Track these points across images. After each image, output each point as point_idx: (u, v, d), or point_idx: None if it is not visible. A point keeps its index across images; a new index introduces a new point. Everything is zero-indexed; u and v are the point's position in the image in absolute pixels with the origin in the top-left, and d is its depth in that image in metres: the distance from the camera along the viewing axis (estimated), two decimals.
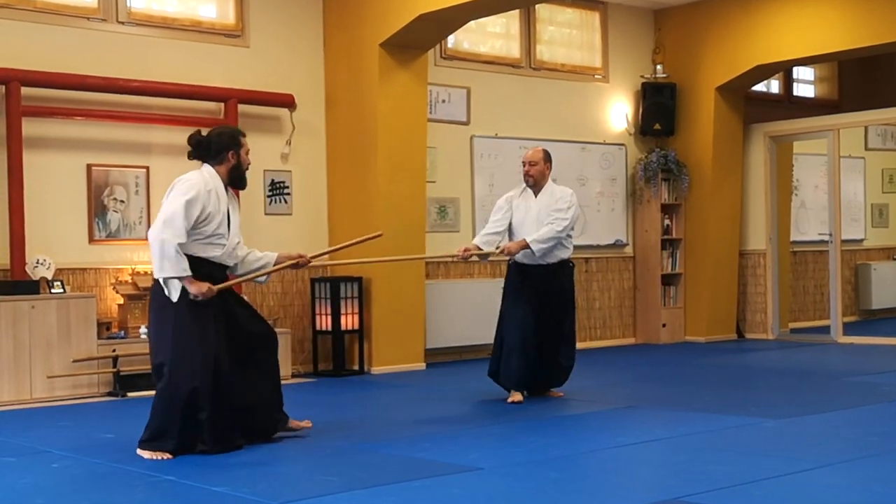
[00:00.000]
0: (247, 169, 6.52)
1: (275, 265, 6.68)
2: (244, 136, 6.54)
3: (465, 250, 8.04)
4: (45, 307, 8.52)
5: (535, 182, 8.18)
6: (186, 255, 6.09)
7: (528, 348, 7.99)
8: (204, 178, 6.27)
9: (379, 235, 7.38)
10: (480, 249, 8.11)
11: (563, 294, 8.20)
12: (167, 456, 6.09)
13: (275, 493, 5.18)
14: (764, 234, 13.09)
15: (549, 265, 8.10)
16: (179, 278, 6.07)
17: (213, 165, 6.37)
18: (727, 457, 5.94)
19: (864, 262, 14.95)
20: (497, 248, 8.07)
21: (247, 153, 6.49)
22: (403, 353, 10.39)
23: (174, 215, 6.05)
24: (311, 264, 7.02)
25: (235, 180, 6.46)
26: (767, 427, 6.90)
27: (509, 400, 7.96)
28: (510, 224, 8.21)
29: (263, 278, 6.75)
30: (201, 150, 6.41)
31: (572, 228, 8.16)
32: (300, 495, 5.16)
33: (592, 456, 6.13)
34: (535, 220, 8.06)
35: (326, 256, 7.03)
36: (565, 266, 8.21)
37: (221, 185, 6.35)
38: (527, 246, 7.92)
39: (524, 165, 8.23)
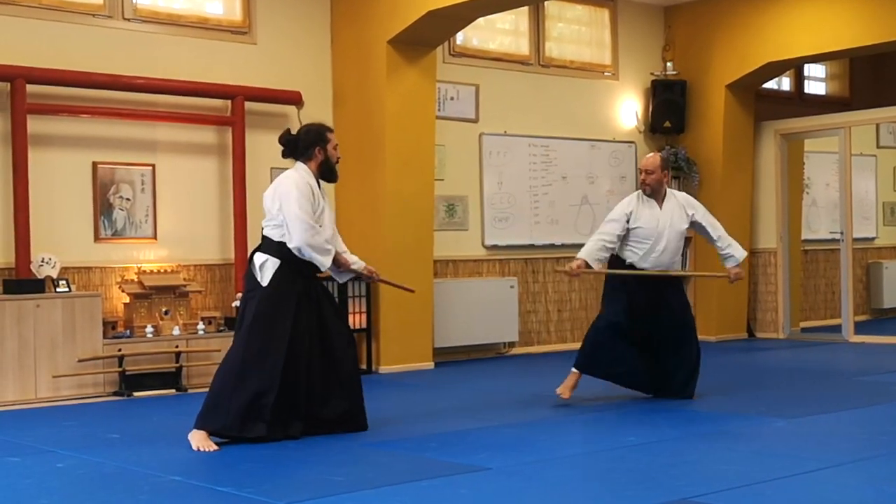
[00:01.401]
0: (336, 163, 6.78)
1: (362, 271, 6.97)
2: (331, 131, 6.78)
3: (580, 265, 7.78)
4: (50, 306, 8.48)
5: (653, 191, 7.93)
6: (280, 242, 6.49)
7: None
8: (300, 173, 6.59)
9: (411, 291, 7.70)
10: (591, 266, 7.86)
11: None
12: (214, 448, 6.25)
13: (281, 493, 5.15)
14: (775, 232, 13.03)
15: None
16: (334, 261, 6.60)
17: (304, 162, 6.67)
18: (737, 456, 5.90)
19: (875, 260, 14.88)
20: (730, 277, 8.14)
21: (335, 147, 6.75)
22: (411, 352, 10.35)
23: (301, 208, 6.42)
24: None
25: (326, 174, 6.72)
26: (778, 426, 6.87)
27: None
28: (628, 233, 7.92)
29: (346, 277, 7.08)
30: (291, 148, 6.73)
31: None
32: (306, 495, 5.12)
33: (601, 455, 6.09)
34: (669, 228, 7.88)
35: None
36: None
37: (314, 180, 6.63)
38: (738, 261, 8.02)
39: (641, 174, 8.00)
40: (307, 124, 6.92)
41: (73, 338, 8.58)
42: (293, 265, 6.50)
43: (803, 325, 13.41)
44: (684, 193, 8.24)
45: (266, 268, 6.50)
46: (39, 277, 8.65)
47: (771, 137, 13.04)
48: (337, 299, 9.92)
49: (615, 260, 7.99)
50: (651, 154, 8.16)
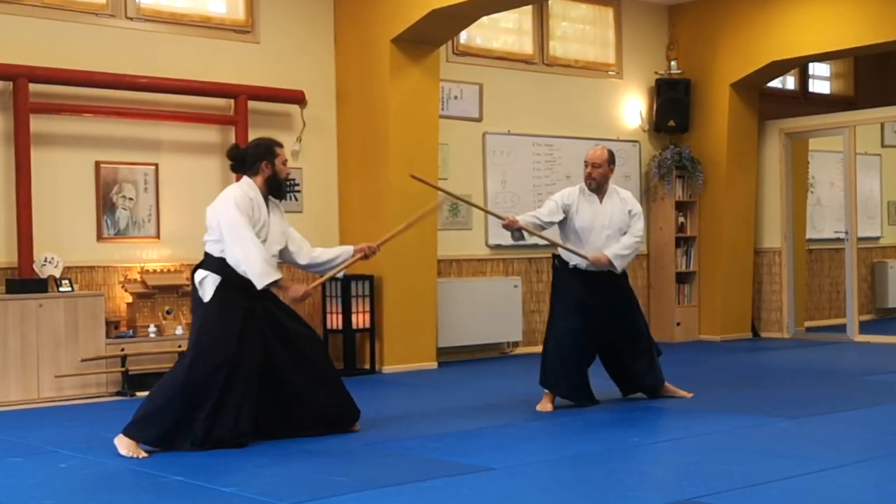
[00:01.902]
0: (285, 178, 6.70)
1: (352, 257, 6.87)
2: (281, 146, 6.71)
3: (514, 221, 7.52)
4: (52, 306, 8.47)
5: (597, 185, 7.69)
6: (220, 259, 6.38)
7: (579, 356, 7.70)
8: (242, 188, 6.51)
9: (436, 208, 7.41)
10: (536, 227, 7.64)
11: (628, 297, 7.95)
12: (143, 455, 6.12)
13: (284, 494, 5.14)
14: (779, 231, 13.00)
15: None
16: (278, 283, 6.40)
17: (250, 177, 6.59)
18: (742, 456, 5.88)
19: (880, 260, 14.86)
20: (585, 257, 7.64)
21: (283, 163, 6.66)
22: (415, 352, 10.32)
23: (235, 225, 6.32)
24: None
25: (273, 189, 6.63)
26: (782, 426, 6.85)
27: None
28: (566, 227, 7.72)
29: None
30: (238, 162, 6.67)
31: None
32: (310, 496, 5.10)
33: (605, 456, 6.06)
34: (607, 226, 7.64)
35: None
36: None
37: (259, 195, 6.52)
38: (610, 262, 7.58)
39: (586, 167, 7.72)
40: (257, 139, 6.88)
41: (75, 337, 8.56)
42: (235, 281, 6.37)
43: (808, 324, 13.35)
44: (628, 192, 7.97)
45: (206, 284, 6.41)
46: (42, 277, 8.64)
47: (775, 136, 13.01)
48: (340, 299, 9.94)
49: (560, 262, 7.79)
50: (598, 146, 7.89)
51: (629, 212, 7.75)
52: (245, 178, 6.59)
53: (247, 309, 6.41)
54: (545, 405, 7.66)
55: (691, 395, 8.02)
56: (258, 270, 6.28)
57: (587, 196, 7.72)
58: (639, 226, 7.75)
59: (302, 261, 6.80)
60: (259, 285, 6.31)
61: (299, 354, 6.62)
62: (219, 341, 6.33)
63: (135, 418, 6.29)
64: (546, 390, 7.72)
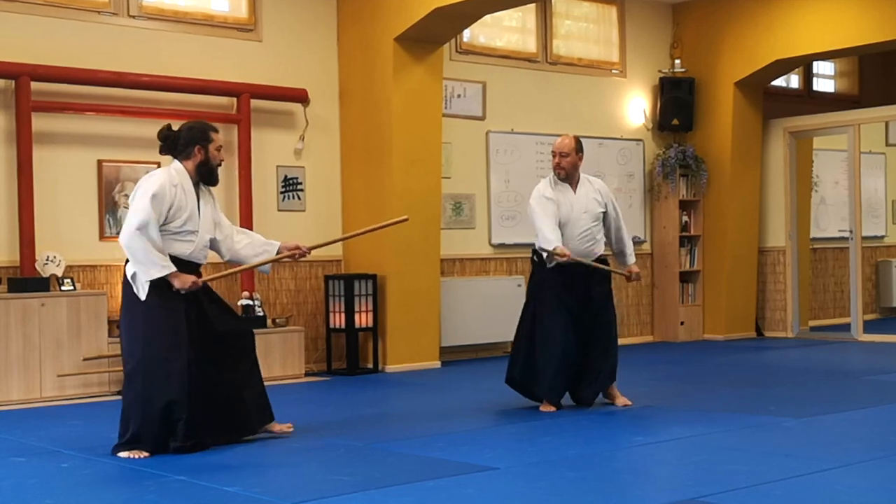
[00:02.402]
0: (218, 165, 6.41)
1: (278, 255, 6.61)
2: (216, 131, 6.43)
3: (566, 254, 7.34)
4: (55, 305, 8.45)
5: (567, 174, 7.58)
6: None
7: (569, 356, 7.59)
8: (170, 174, 6.22)
9: (405, 220, 7.13)
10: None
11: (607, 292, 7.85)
12: (144, 454, 6.07)
13: (287, 493, 5.12)
14: (783, 230, 12.98)
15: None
16: (167, 276, 6.05)
17: (181, 161, 6.31)
18: (746, 456, 5.86)
19: (884, 259, 14.85)
20: (631, 275, 7.80)
21: (217, 149, 6.38)
22: (418, 351, 10.30)
23: (141, 213, 6.02)
24: (310, 255, 6.84)
25: (204, 176, 6.37)
26: (787, 426, 6.83)
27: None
28: None
29: (266, 268, 6.74)
30: (169, 144, 6.35)
31: None
32: (313, 495, 5.08)
33: (609, 456, 6.05)
34: (582, 216, 7.54)
35: (333, 244, 6.87)
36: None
37: (189, 181, 6.27)
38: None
39: (554, 157, 7.57)
40: (190, 121, 6.60)
41: (78, 336, 8.54)
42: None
43: (812, 323, 13.37)
44: (600, 180, 7.88)
45: (138, 280, 6.12)
46: (44, 276, 8.62)
47: (780, 135, 12.99)
48: (342, 298, 9.91)
49: (538, 259, 7.66)
50: (564, 136, 7.65)
51: (607, 205, 7.69)
52: (175, 163, 6.30)
53: (186, 302, 6.18)
54: (549, 406, 7.61)
55: (630, 402, 7.71)
56: (144, 263, 6.02)
57: (560, 187, 7.60)
58: (620, 215, 7.82)
59: (225, 255, 6.55)
60: (144, 278, 6.03)
61: (226, 351, 6.40)
62: (171, 341, 6.11)
63: (124, 440, 6.15)
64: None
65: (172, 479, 5.51)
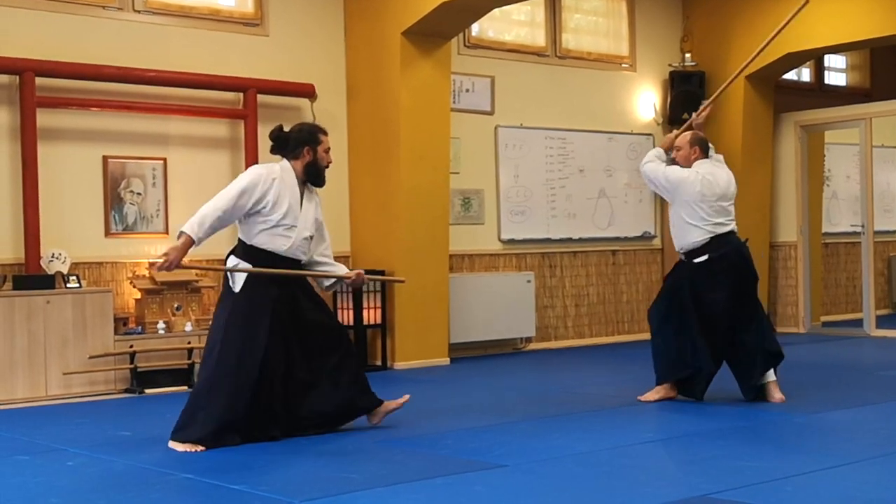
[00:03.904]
0: (326, 167, 6.67)
1: (340, 275, 6.81)
2: (325, 133, 6.69)
3: None
4: (60, 302, 8.41)
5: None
6: (253, 245, 6.40)
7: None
8: (270, 168, 6.49)
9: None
10: None
11: None
12: (200, 448, 6.15)
13: (294, 491, 5.09)
14: (795, 225, 12.93)
15: None
16: (193, 241, 6.24)
17: (290, 160, 6.56)
18: (757, 452, 5.85)
19: None
20: None
21: (326, 151, 6.64)
22: (427, 347, 10.26)
23: (223, 201, 6.28)
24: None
25: (311, 176, 6.61)
26: (798, 422, 6.82)
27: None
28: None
29: (329, 282, 6.86)
30: (279, 144, 6.61)
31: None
32: (320, 493, 5.05)
33: (618, 452, 6.01)
34: None
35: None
36: None
37: (293, 178, 6.51)
38: None
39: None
40: (301, 123, 6.88)
41: (83, 334, 8.50)
42: (268, 268, 6.38)
43: (824, 319, 13.33)
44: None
45: (237, 274, 6.40)
46: (49, 273, 8.58)
47: (791, 129, 12.93)
48: (351, 295, 9.86)
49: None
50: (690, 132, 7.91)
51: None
52: (283, 161, 6.56)
53: (275, 300, 6.38)
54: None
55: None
56: (195, 218, 6.25)
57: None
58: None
59: (305, 259, 6.68)
60: (195, 236, 6.21)
61: (315, 348, 6.55)
62: (249, 335, 6.30)
63: (179, 422, 6.30)
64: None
65: (179, 477, 5.49)
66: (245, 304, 6.34)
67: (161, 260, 6.26)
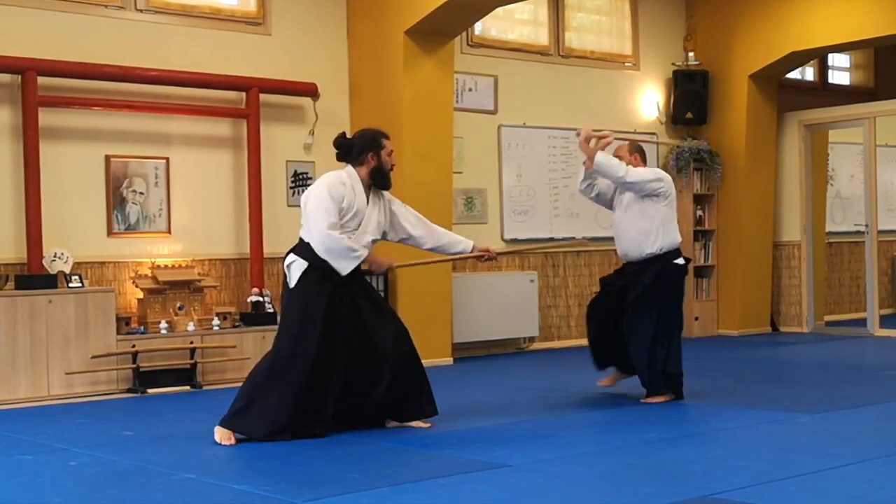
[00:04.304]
0: (390, 170, 6.77)
1: (470, 253, 7.05)
2: (387, 137, 6.79)
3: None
4: (62, 302, 8.39)
5: None
6: (309, 244, 6.50)
7: None
8: (338, 175, 6.60)
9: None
10: None
11: None
12: (234, 442, 6.29)
13: (297, 491, 5.06)
14: (798, 224, 12.89)
15: None
16: (362, 261, 6.55)
17: (354, 166, 6.68)
18: (760, 452, 5.85)
19: None
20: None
21: (389, 154, 6.75)
22: (430, 347, 10.15)
23: (326, 214, 6.43)
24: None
25: (378, 180, 6.71)
26: (802, 422, 6.81)
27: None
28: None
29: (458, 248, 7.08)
30: (344, 151, 6.74)
31: None
32: (323, 493, 5.02)
33: (622, 452, 5.99)
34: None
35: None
36: None
37: (360, 184, 6.62)
38: None
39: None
40: (364, 129, 6.95)
41: (86, 334, 8.47)
42: (320, 268, 6.48)
43: (828, 318, 13.29)
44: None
45: (293, 269, 6.54)
46: (52, 273, 8.56)
47: (795, 128, 12.90)
48: None
49: None
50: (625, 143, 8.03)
51: None
52: (348, 167, 6.68)
53: (330, 297, 6.48)
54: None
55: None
56: (336, 262, 6.45)
57: None
58: None
59: (426, 244, 6.95)
60: (343, 272, 6.46)
61: (372, 347, 6.64)
62: (302, 330, 6.42)
63: (232, 409, 6.41)
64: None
65: (181, 476, 5.47)
66: (300, 299, 6.48)
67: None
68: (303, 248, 6.54)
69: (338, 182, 6.53)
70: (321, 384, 6.43)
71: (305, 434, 6.35)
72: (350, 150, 6.70)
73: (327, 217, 6.41)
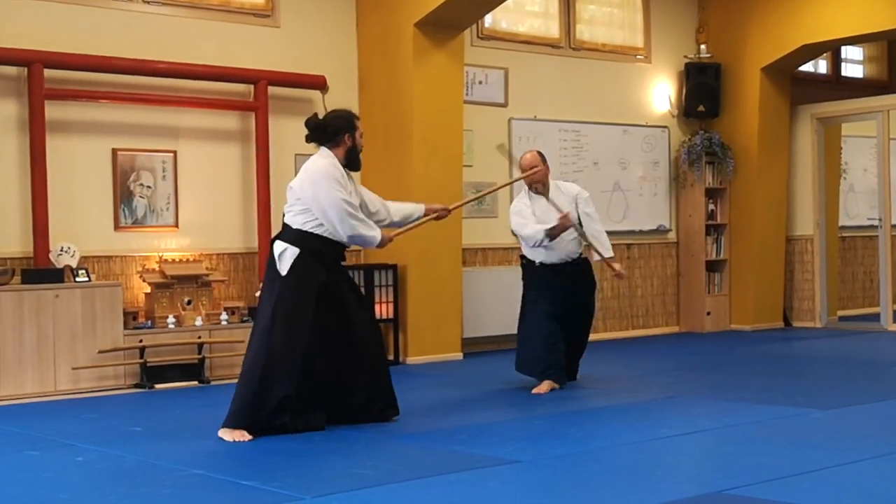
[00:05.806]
0: (360, 151, 6.75)
1: (425, 216, 7.10)
2: (359, 118, 6.78)
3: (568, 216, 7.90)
4: (69, 296, 8.34)
5: (543, 186, 8.14)
6: (302, 230, 6.46)
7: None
8: (329, 160, 6.56)
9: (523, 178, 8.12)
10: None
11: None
12: (248, 438, 6.23)
13: (306, 488, 5.04)
14: (811, 218, 12.83)
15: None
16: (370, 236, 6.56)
17: (330, 148, 6.62)
18: (773, 448, 5.83)
19: None
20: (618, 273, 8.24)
21: (361, 136, 6.74)
22: (440, 342, 10.20)
23: (343, 202, 6.40)
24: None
25: (352, 162, 6.69)
26: (815, 417, 6.78)
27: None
28: None
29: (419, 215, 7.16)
30: (318, 132, 6.66)
31: None
32: (333, 489, 5.00)
33: (633, 448, 5.96)
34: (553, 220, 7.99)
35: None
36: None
37: (341, 167, 6.61)
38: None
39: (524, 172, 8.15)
40: (335, 110, 6.89)
41: (93, 329, 8.43)
42: (313, 255, 6.45)
43: (841, 313, 13.25)
44: (572, 184, 8.57)
45: (285, 257, 6.46)
46: (58, 267, 8.52)
47: (807, 122, 12.83)
48: (363, 289, 9.78)
49: (528, 262, 8.33)
50: (526, 152, 8.29)
51: (576, 197, 8.20)
52: (325, 150, 6.61)
53: (322, 284, 6.46)
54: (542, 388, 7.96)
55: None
56: (369, 234, 6.52)
57: (536, 198, 8.12)
58: (592, 209, 8.27)
59: (386, 222, 6.94)
60: (375, 241, 6.55)
61: (352, 343, 6.61)
62: (295, 319, 6.37)
63: (232, 408, 6.37)
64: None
65: (189, 472, 5.44)
66: (293, 285, 6.40)
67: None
68: (291, 234, 6.49)
69: (335, 167, 6.51)
70: (316, 374, 6.40)
71: (303, 426, 6.37)
72: (325, 131, 6.62)
73: (346, 202, 6.41)
